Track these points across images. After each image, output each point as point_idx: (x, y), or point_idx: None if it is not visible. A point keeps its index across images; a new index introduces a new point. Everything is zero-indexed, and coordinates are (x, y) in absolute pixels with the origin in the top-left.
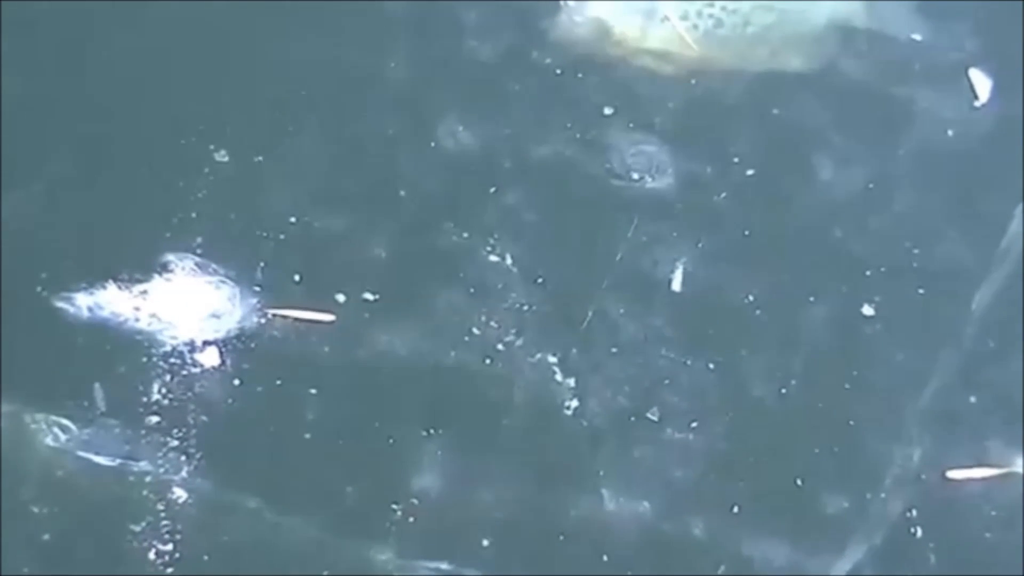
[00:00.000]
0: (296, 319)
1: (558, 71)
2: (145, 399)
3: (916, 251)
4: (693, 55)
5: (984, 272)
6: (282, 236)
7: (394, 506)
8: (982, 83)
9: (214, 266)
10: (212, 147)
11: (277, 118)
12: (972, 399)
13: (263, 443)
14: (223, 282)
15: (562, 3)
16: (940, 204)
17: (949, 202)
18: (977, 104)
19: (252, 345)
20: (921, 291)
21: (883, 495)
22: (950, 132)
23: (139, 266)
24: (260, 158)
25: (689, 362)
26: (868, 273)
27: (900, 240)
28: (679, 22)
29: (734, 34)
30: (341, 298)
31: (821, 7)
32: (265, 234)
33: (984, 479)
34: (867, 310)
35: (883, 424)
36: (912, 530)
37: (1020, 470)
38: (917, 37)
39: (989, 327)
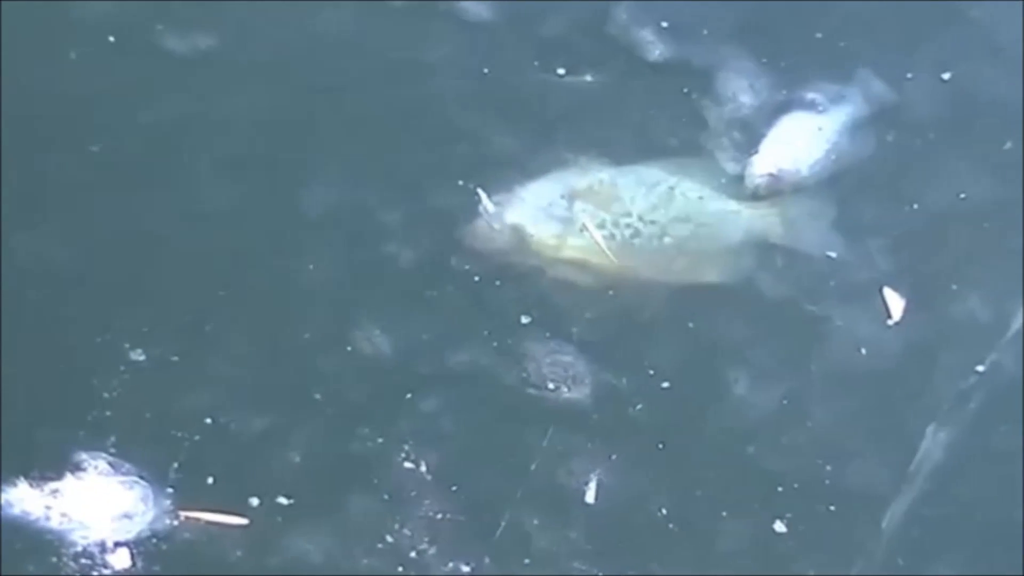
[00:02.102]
0: (209, 522)
1: (476, 278)
2: None
3: (828, 468)
4: (611, 266)
5: (895, 490)
6: (197, 437)
7: None
8: (895, 302)
9: (127, 466)
10: (127, 345)
11: (194, 318)
12: None
13: None
14: (136, 482)
15: (481, 209)
16: (853, 422)
17: (862, 420)
18: (890, 323)
19: (164, 547)
20: (832, 508)
21: None
22: (863, 350)
23: (51, 464)
24: (175, 357)
25: None
26: (780, 489)
27: (813, 457)
28: (596, 232)
29: (651, 245)
30: (255, 501)
31: (738, 222)
32: (180, 434)
33: None
34: (779, 526)
35: None
36: None
37: None
38: (832, 255)
39: (899, 546)
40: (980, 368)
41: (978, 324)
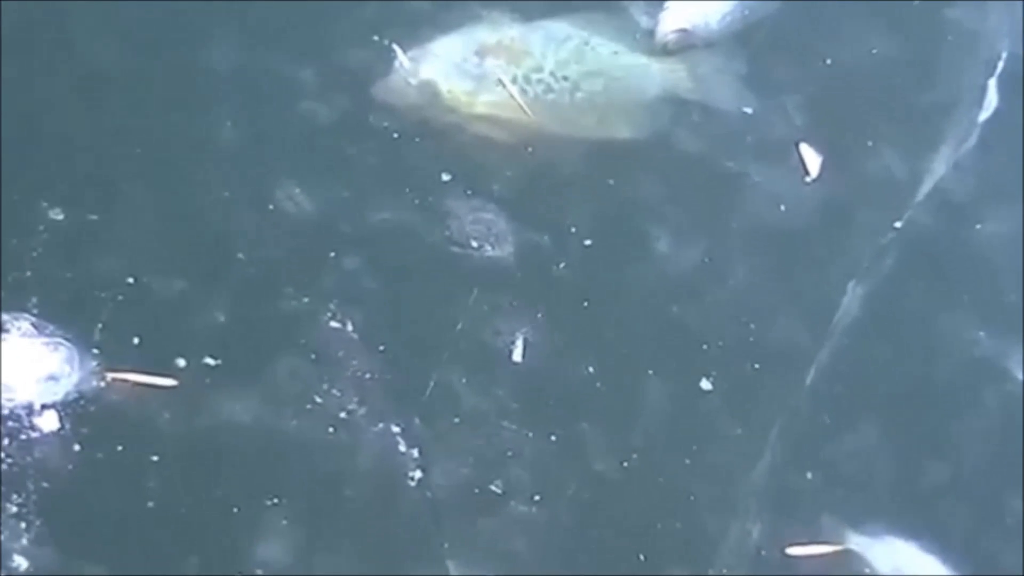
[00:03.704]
0: (136, 383)
1: (395, 135)
2: None
3: (752, 326)
4: (527, 121)
5: (817, 347)
6: (120, 297)
7: None
8: (812, 158)
9: (51, 327)
10: (45, 204)
11: (110, 176)
12: (808, 475)
13: (105, 511)
14: (60, 343)
15: (396, 65)
16: (774, 279)
17: (783, 277)
18: (808, 179)
19: (91, 409)
20: (756, 366)
21: (724, 571)
22: (782, 207)
23: None
24: (94, 216)
25: (531, 434)
26: (705, 347)
27: (736, 315)
28: (512, 87)
29: (563, 100)
30: (182, 362)
31: (650, 77)
32: (102, 295)
33: (822, 556)
34: (705, 384)
35: (722, 499)
36: None
37: (855, 547)
38: (748, 110)
39: (823, 403)
40: (897, 224)
41: (894, 180)
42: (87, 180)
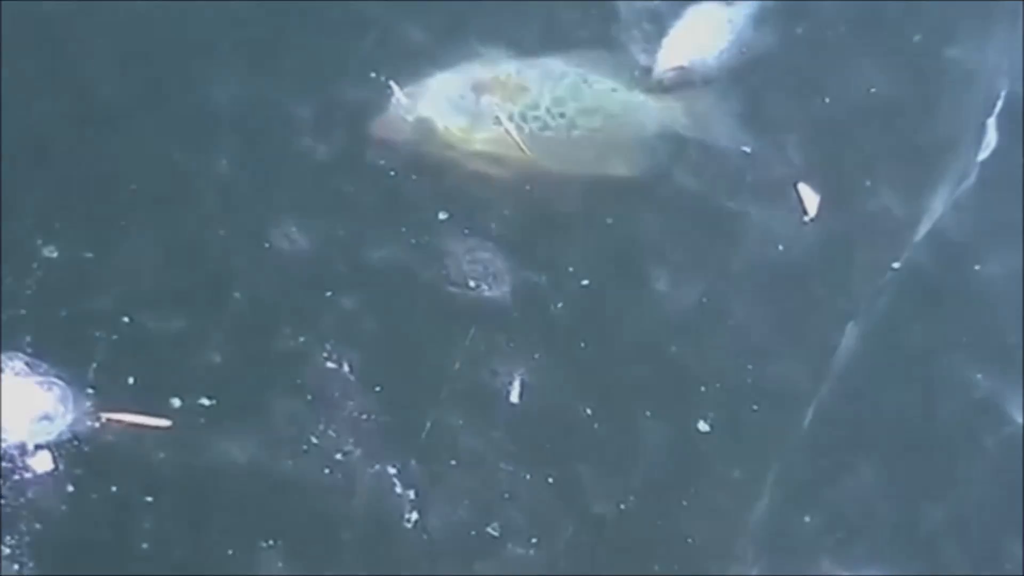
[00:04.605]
0: (131, 423)
1: (392, 173)
2: None
3: (749, 367)
4: (525, 159)
5: (815, 389)
6: (115, 336)
7: None
8: (810, 198)
9: (44, 366)
10: (40, 242)
11: (106, 214)
12: (807, 518)
13: (99, 552)
14: (54, 383)
15: (393, 100)
16: (773, 319)
17: (782, 317)
18: (806, 219)
19: (86, 449)
20: (755, 408)
21: None
22: (781, 247)
23: None
24: (90, 254)
25: (528, 476)
26: (703, 388)
27: (734, 355)
28: (509, 123)
29: (560, 137)
30: (177, 403)
31: (647, 114)
32: (97, 333)
33: None
34: (703, 426)
35: (720, 542)
36: None
37: None
38: (747, 149)
39: (822, 444)
40: (896, 264)
41: (893, 220)
42: (82, 217)
